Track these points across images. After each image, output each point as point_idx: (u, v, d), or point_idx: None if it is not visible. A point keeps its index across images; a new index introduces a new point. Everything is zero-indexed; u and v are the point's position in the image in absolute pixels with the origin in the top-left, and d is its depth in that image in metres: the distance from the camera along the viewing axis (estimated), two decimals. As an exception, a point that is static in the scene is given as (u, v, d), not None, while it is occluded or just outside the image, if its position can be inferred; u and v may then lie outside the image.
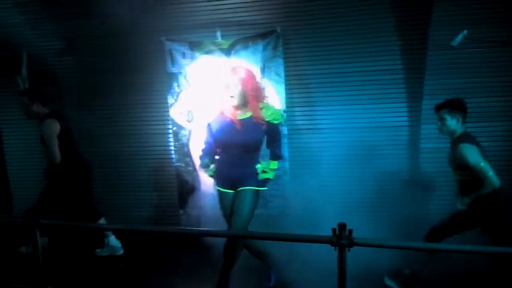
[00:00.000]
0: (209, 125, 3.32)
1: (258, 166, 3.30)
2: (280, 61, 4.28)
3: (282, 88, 4.31)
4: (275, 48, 4.25)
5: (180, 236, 4.41)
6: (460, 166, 3.10)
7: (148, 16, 4.46)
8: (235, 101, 3.17)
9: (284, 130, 4.36)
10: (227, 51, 4.34)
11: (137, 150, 4.88)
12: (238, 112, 3.22)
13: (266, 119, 3.21)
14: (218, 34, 4.38)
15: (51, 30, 4.79)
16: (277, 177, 4.39)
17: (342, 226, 2.14)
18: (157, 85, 4.63)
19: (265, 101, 3.29)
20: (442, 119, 3.17)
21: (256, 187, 3.30)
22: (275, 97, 4.32)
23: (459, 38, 3.60)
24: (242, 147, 3.20)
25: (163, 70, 4.49)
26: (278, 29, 4.21)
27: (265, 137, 3.31)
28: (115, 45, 4.64)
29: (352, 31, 4.18)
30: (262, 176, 3.30)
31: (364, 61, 4.23)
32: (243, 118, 3.20)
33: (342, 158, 4.33)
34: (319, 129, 4.46)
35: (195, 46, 4.41)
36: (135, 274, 3.90)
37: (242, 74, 3.19)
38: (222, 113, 3.27)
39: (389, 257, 3.45)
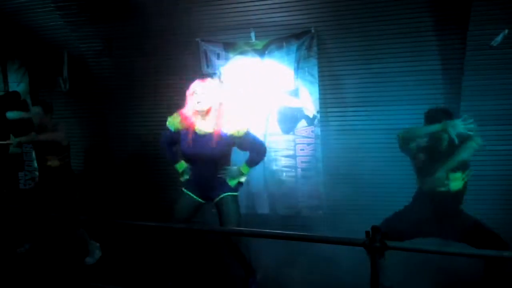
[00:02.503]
0: (175, 132, 3.30)
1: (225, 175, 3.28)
2: (314, 61, 4.27)
3: (315, 89, 4.30)
4: (309, 48, 4.25)
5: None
6: None
7: (184, 18, 4.54)
8: (201, 106, 3.16)
9: (318, 130, 4.36)
10: (261, 52, 4.37)
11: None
12: (202, 124, 3.20)
13: (228, 134, 3.18)
14: (252, 35, 4.41)
15: (91, 32, 4.92)
16: (310, 177, 4.43)
17: (375, 229, 2.12)
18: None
19: (230, 115, 3.25)
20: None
21: (230, 192, 3.30)
22: (308, 97, 4.32)
23: (499, 38, 3.50)
24: (207, 160, 3.21)
25: (198, 71, 4.55)
26: (312, 30, 4.20)
27: (232, 148, 3.29)
28: (152, 46, 4.75)
29: (387, 31, 4.12)
30: (231, 183, 3.29)
31: (399, 62, 4.15)
32: (207, 132, 3.19)
33: (375, 159, 4.28)
34: (352, 130, 4.41)
35: (229, 47, 4.46)
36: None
37: (212, 84, 3.23)
38: (188, 126, 3.24)
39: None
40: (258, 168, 4.51)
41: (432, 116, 3.08)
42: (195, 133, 3.23)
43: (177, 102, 4.74)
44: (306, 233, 2.63)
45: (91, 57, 5.06)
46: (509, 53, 3.85)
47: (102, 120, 5.28)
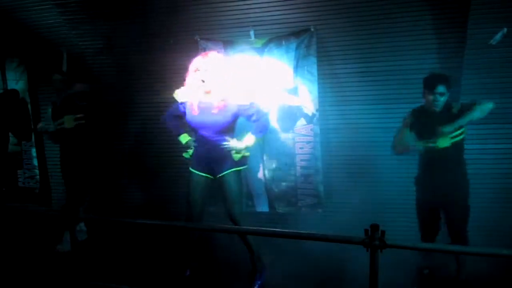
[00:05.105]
0: (181, 103, 3.46)
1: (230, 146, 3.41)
2: (313, 60, 4.26)
3: (315, 87, 4.29)
4: (308, 47, 4.24)
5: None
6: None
7: (183, 16, 4.53)
8: (206, 86, 3.30)
9: (317, 129, 4.35)
10: (260, 50, 4.36)
11: (171, 148, 4.96)
12: (208, 95, 3.35)
13: (235, 103, 3.33)
14: (252, 33, 4.40)
15: (90, 30, 4.91)
16: (309, 175, 4.43)
17: (374, 227, 2.13)
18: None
19: (234, 85, 3.41)
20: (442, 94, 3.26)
21: (235, 167, 3.43)
22: (307, 96, 4.31)
23: (498, 36, 3.51)
24: (211, 129, 3.35)
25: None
26: (312, 28, 4.19)
27: (237, 118, 3.44)
28: (151, 44, 4.74)
29: (386, 29, 4.11)
30: (236, 157, 3.41)
31: (399, 60, 4.15)
32: (212, 101, 3.33)
33: (375, 157, 4.28)
34: (352, 128, 4.41)
35: (229, 45, 4.45)
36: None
37: (213, 59, 3.34)
38: (194, 97, 3.39)
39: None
40: (258, 166, 4.53)
41: (431, 83, 3.30)
42: (200, 102, 3.36)
43: (176, 100, 4.75)
44: (306, 231, 2.63)
45: (90, 55, 5.04)
46: (508, 51, 3.85)
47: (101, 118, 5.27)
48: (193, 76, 3.36)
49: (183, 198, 4.79)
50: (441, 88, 3.23)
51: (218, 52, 3.58)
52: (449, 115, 3.28)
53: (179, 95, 3.45)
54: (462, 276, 3.42)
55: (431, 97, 3.28)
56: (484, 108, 3.21)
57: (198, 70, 3.31)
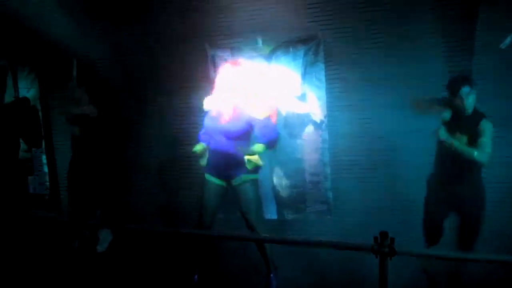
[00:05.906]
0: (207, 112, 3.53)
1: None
2: (321, 66, 4.27)
3: (323, 94, 4.30)
4: (316, 53, 4.25)
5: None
6: None
7: (192, 23, 4.57)
8: (233, 93, 3.37)
9: (325, 135, 4.35)
10: (268, 57, 4.38)
11: (180, 154, 4.98)
12: (228, 102, 3.40)
13: (251, 114, 3.37)
14: (259, 40, 4.42)
15: (100, 38, 4.97)
16: (317, 182, 4.42)
17: (383, 234, 2.12)
18: (200, 90, 4.71)
19: (257, 97, 3.45)
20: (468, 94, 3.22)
21: (249, 174, 3.43)
22: (316, 102, 4.31)
23: (508, 41, 3.49)
24: (226, 135, 3.38)
25: (206, 76, 4.57)
26: (320, 35, 4.21)
27: (252, 130, 3.46)
28: (160, 51, 4.79)
29: (394, 34, 4.11)
30: (249, 165, 3.40)
31: (407, 65, 4.12)
32: (229, 108, 3.39)
33: (383, 164, 4.27)
34: (360, 134, 4.37)
35: (236, 51, 4.47)
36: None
37: (241, 68, 3.43)
38: (220, 104, 3.45)
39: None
40: (266, 173, 4.53)
41: (454, 87, 3.27)
42: (220, 108, 3.43)
43: (186, 106, 4.80)
44: (314, 239, 2.63)
45: (100, 62, 5.09)
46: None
47: (113, 125, 5.30)
48: (220, 83, 3.45)
49: (188, 203, 4.82)
50: (466, 89, 3.20)
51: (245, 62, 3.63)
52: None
53: (206, 102, 3.52)
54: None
55: (459, 100, 3.24)
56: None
57: (226, 77, 3.41)
